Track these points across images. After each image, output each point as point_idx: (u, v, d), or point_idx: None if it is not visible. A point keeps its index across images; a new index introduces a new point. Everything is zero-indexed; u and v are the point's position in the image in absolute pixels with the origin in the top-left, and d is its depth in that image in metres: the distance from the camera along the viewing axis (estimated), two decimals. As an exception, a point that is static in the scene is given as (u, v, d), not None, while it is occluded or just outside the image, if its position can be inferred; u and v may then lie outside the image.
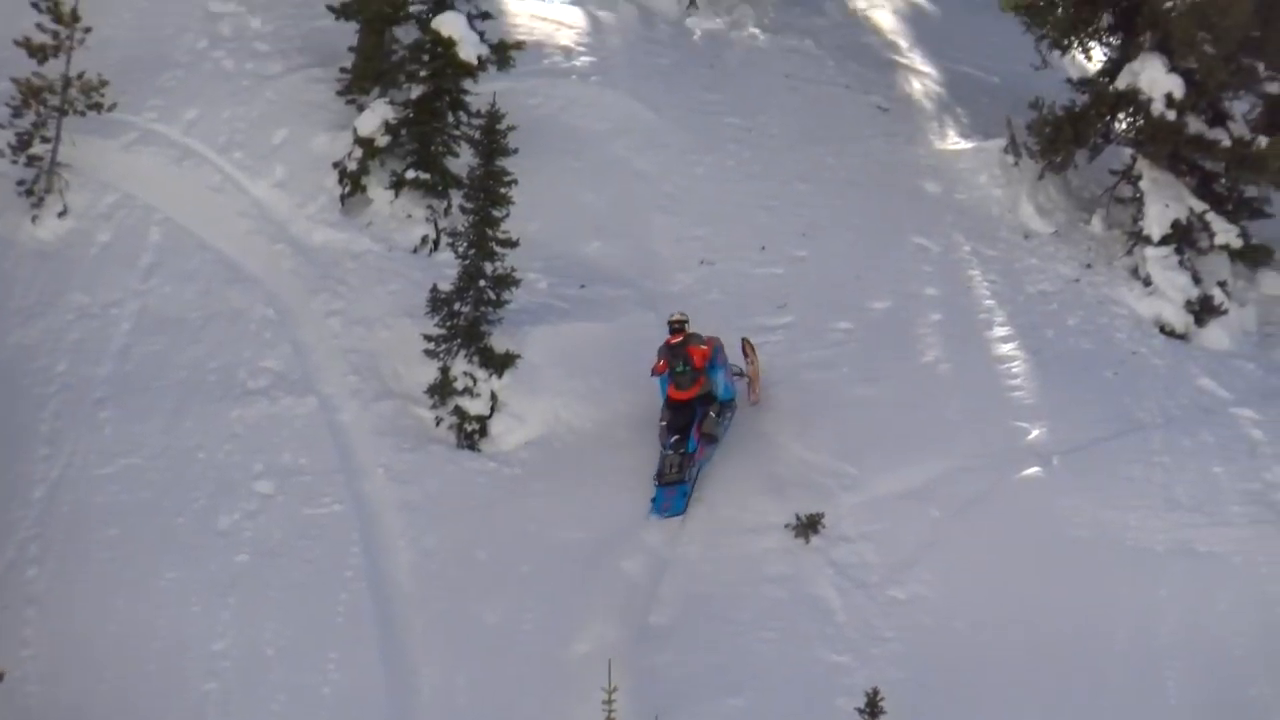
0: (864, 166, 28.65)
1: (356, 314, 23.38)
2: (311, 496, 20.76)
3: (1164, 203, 26.80)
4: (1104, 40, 29.11)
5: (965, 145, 29.74)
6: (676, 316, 22.70)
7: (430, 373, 22.06)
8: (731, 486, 21.97)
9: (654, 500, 21.97)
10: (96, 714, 18.33)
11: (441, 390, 21.94)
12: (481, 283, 21.99)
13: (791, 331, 24.42)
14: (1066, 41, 29.03)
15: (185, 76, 26.62)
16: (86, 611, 19.12)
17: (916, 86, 31.97)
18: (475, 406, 21.98)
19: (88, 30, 24.13)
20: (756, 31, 32.45)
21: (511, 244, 21.96)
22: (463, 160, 24.34)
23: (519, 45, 26.02)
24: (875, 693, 14.37)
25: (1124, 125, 28.19)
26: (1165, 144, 27.36)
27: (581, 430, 22.36)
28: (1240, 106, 28.39)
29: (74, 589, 19.30)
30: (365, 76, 25.74)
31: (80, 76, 24.10)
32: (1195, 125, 27.42)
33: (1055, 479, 22.06)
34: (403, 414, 22.16)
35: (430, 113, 24.89)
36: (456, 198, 23.93)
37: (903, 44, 34.30)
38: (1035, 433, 22.84)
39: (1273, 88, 27.85)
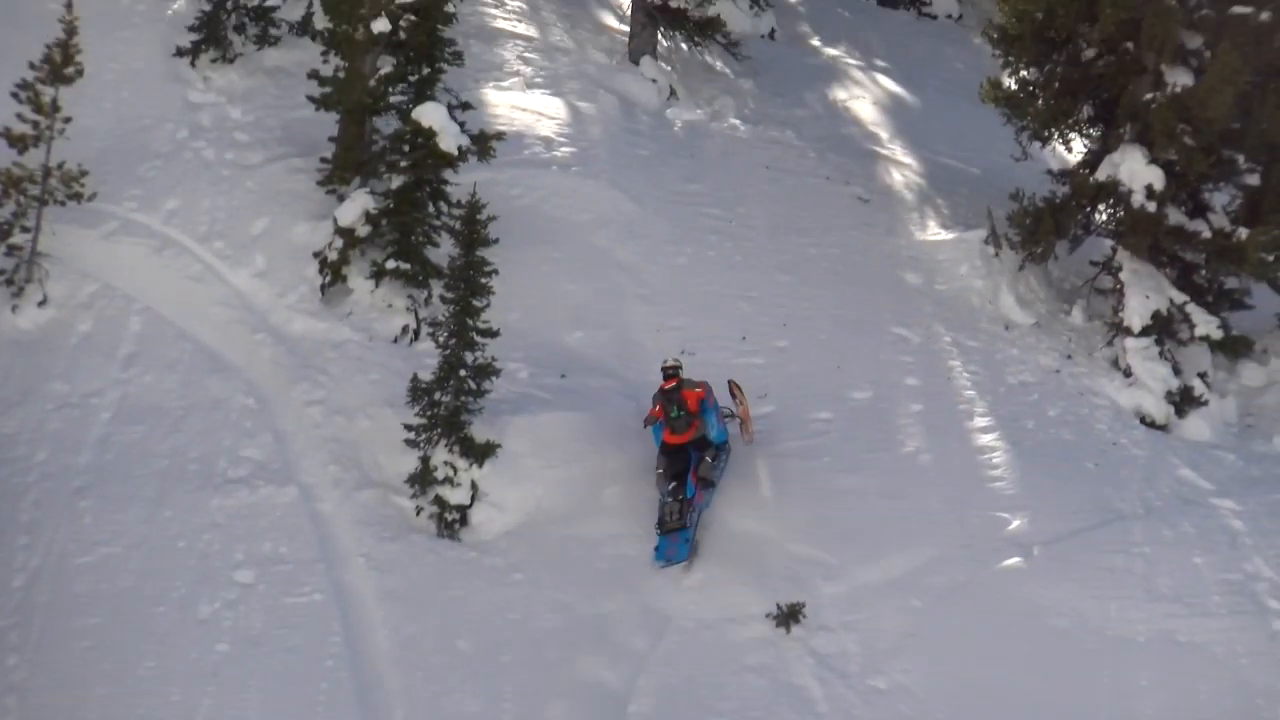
0: (845, 257, 29.00)
1: (337, 403, 23.46)
2: (292, 585, 20.77)
3: (1144, 294, 27.22)
4: (1084, 132, 29.70)
5: (946, 236, 30.16)
6: (670, 362, 23.28)
7: (411, 462, 22.20)
8: (712, 576, 22.09)
9: (657, 549, 22.41)
10: (77, 803, 18.48)
11: (422, 480, 22.09)
12: (462, 372, 22.12)
13: (772, 421, 24.58)
14: (1047, 133, 29.50)
15: (165, 166, 26.86)
16: (66, 700, 19.12)
17: (897, 178, 32.46)
18: (456, 496, 22.09)
19: (68, 120, 24.45)
20: (737, 122, 33.04)
21: (492, 334, 22.16)
22: (443, 250, 24.51)
23: (500, 136, 26.28)
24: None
25: (1104, 216, 28.71)
26: (1145, 235, 27.86)
27: (562, 520, 22.42)
28: (1221, 198, 28.87)
29: (54, 678, 19.31)
30: (346, 166, 25.95)
31: (60, 166, 24.36)
32: (1176, 217, 27.90)
33: (1036, 569, 22.30)
34: (383, 503, 22.23)
35: (411, 203, 25.01)
36: (437, 288, 24.08)
37: (883, 135, 34.86)
38: (1016, 523, 23.08)
39: (1253, 179, 28.29)
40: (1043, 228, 28.41)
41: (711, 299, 26.63)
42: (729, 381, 24.36)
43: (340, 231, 25.04)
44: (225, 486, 22.07)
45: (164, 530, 21.34)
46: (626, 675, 20.73)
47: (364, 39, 25.48)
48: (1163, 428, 26.28)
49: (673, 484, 22.87)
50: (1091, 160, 29.10)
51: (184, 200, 26.31)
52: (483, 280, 22.03)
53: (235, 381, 23.72)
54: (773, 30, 39.77)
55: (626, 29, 35.05)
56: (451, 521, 22.18)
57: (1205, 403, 26.79)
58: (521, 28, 34.19)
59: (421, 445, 22.22)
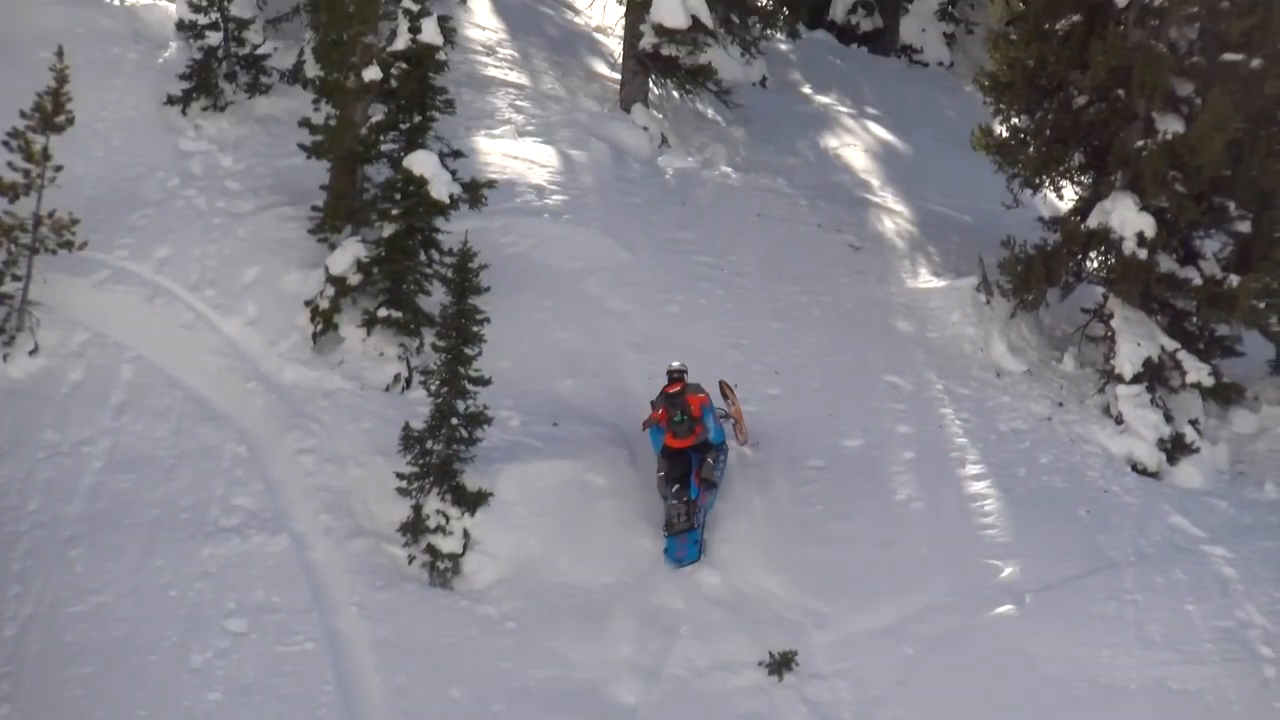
0: (836, 305, 29.23)
1: (329, 452, 23.51)
2: (284, 634, 20.75)
3: (1136, 341, 27.39)
4: (1075, 179, 29.87)
5: (937, 283, 30.42)
6: (676, 366, 23.78)
7: (403, 511, 22.25)
8: (704, 623, 22.18)
9: (666, 551, 22.99)
10: None
11: (414, 528, 22.14)
12: (454, 421, 22.18)
13: (764, 469, 24.77)
14: (1038, 180, 29.69)
15: (156, 214, 26.97)
16: (58, 749, 19.18)
17: (888, 225, 32.71)
18: (448, 544, 22.13)
19: (59, 169, 24.51)
20: (728, 170, 33.34)
21: (484, 382, 22.22)
22: (435, 298, 24.57)
23: (491, 184, 26.37)
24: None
25: (1095, 264, 28.88)
26: (1137, 282, 28.02)
27: (554, 568, 22.50)
28: (1212, 245, 29.05)
29: (46, 727, 19.36)
30: (337, 215, 25.97)
31: (51, 215, 24.43)
32: (1167, 264, 28.06)
33: (1028, 617, 22.43)
34: (375, 552, 22.26)
35: (402, 251, 25.11)
36: (429, 336, 24.31)
37: (874, 183, 35.13)
38: (1008, 570, 23.24)
39: (1244, 226, 28.53)
40: (1034, 275, 28.65)
41: (703, 347, 26.71)
42: (720, 382, 24.98)
43: (332, 280, 25.14)
44: (217, 535, 22.06)
45: (156, 579, 21.31)
46: (619, 725, 20.81)
47: (355, 87, 25.64)
48: (1154, 475, 26.45)
49: (676, 486, 23.34)
50: (1083, 207, 29.24)
51: (175, 248, 26.39)
52: (474, 328, 22.12)
53: (227, 430, 23.74)
54: (764, 78, 40.14)
55: (618, 77, 35.41)
56: (444, 570, 22.20)
57: (1197, 450, 26.98)
58: (513, 76, 34.50)
59: (413, 494, 22.29)
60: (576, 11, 40.92)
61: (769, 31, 36.99)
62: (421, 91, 25.31)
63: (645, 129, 33.47)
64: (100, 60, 29.54)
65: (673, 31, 32.99)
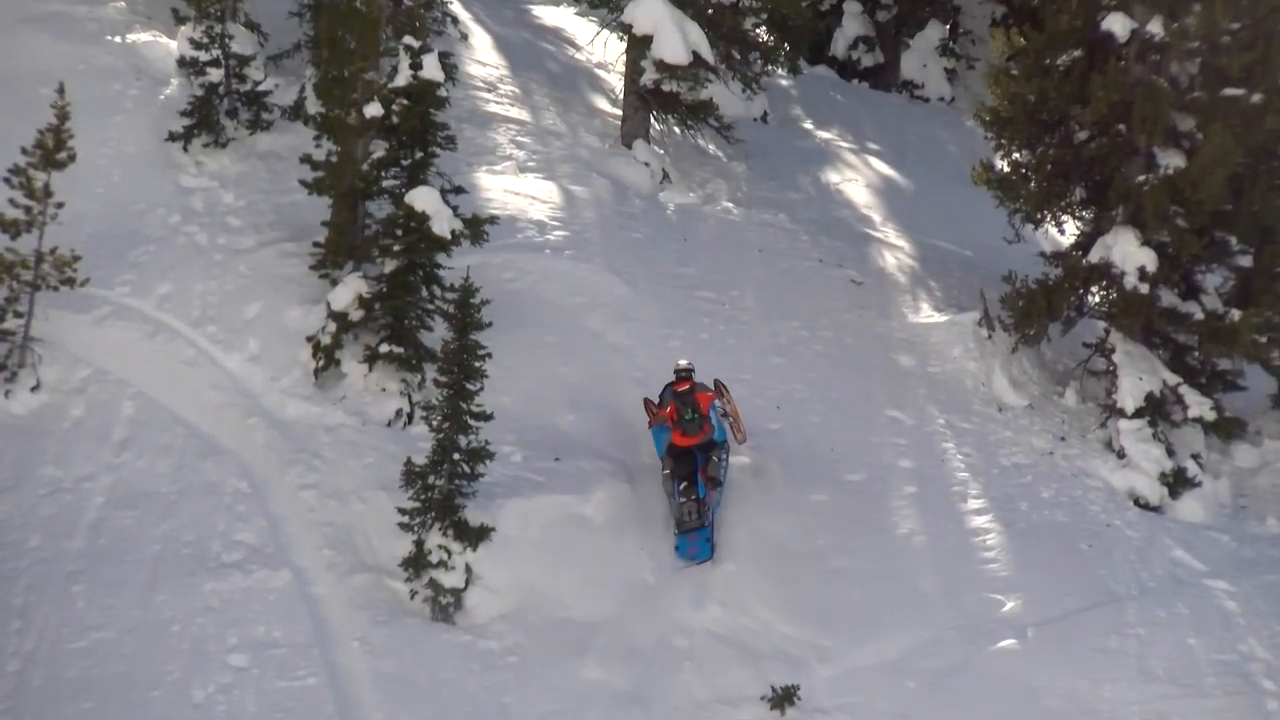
0: (838, 339, 29.42)
1: (331, 487, 23.50)
2: (286, 669, 20.69)
3: (1137, 375, 27.56)
4: (1076, 214, 30.08)
5: (939, 318, 30.64)
6: (684, 364, 24.17)
7: (405, 546, 22.24)
8: (706, 657, 22.20)
9: (677, 549, 23.45)
10: None
11: (416, 563, 22.14)
12: (456, 456, 22.19)
13: (766, 502, 24.88)
14: (1039, 215, 29.88)
15: (158, 251, 26.94)
16: (61, 786, 19.18)
17: (890, 260, 32.93)
18: (450, 579, 22.13)
19: (60, 205, 24.41)
20: (730, 206, 33.54)
21: (486, 417, 22.25)
22: (437, 334, 24.50)
23: (493, 220, 26.36)
24: None
25: (1097, 298, 29.07)
26: (1138, 317, 28.23)
27: (557, 602, 22.49)
28: (1213, 280, 29.23)
29: (48, 764, 19.35)
30: (338, 251, 26.01)
31: (53, 251, 24.33)
32: (1168, 298, 28.29)
33: (1030, 651, 22.55)
34: (377, 587, 22.24)
35: (404, 287, 25.14)
36: (430, 371, 24.22)
37: (876, 218, 35.36)
38: (1010, 604, 23.37)
39: (1245, 261, 28.73)
40: (1035, 310, 28.86)
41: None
42: (715, 381, 25.25)
43: (333, 315, 25.18)
44: (219, 570, 22.02)
45: (158, 614, 21.25)
46: (622, 760, 20.83)
47: (356, 123, 25.71)
48: (1156, 509, 26.62)
49: (683, 484, 23.67)
50: (1084, 242, 29.45)
51: (176, 285, 26.38)
52: (476, 364, 22.12)
53: (228, 465, 23.72)
54: (765, 114, 40.42)
55: (619, 113, 35.64)
56: (446, 605, 22.21)
57: (1199, 484, 27.13)
58: (514, 112, 34.68)
59: (415, 529, 22.31)
60: (578, 48, 41.15)
61: (770, 67, 37.14)
62: (423, 127, 25.34)
63: (646, 164, 33.65)
64: (101, 97, 29.55)
65: (674, 67, 33.14)
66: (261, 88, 29.87)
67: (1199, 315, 28.32)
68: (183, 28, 29.67)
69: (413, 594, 22.29)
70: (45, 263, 24.45)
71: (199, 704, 20.28)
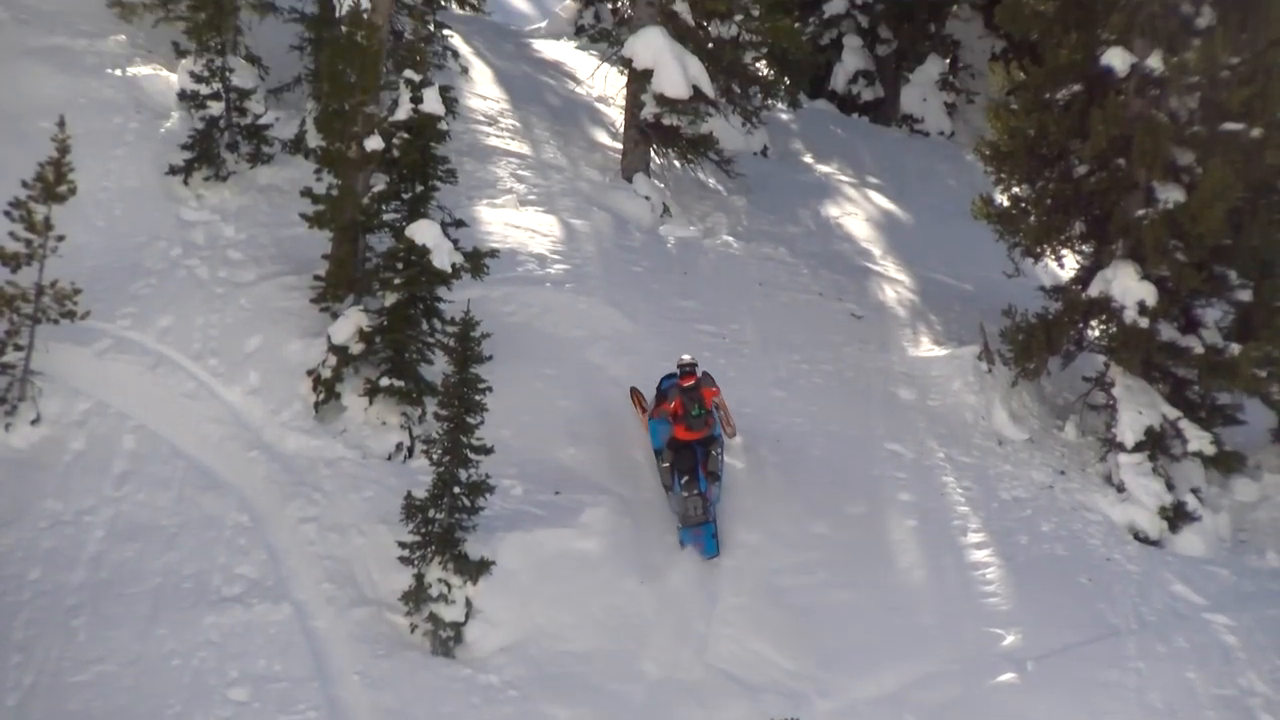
0: (838, 373, 29.51)
1: (331, 520, 23.51)
2: (286, 703, 20.69)
3: (1137, 409, 27.65)
4: (1076, 248, 30.17)
5: (939, 352, 30.74)
6: (688, 359, 24.62)
7: (405, 579, 22.27)
8: (707, 691, 22.25)
9: (682, 542, 23.91)
10: None
11: (416, 597, 22.17)
12: (456, 489, 22.20)
13: (766, 535, 24.95)
14: (1039, 249, 29.94)
15: (158, 284, 26.93)
16: (61, 819, 19.20)
17: (890, 294, 33.05)
18: (450, 613, 22.14)
19: (60, 238, 24.37)
20: (730, 239, 33.65)
21: (486, 451, 22.24)
22: (437, 367, 24.56)
23: (493, 253, 26.40)
24: None
25: (1097, 332, 29.19)
26: (1138, 351, 28.33)
27: (557, 636, 22.50)
28: (1212, 314, 29.33)
29: (48, 797, 19.37)
30: (339, 284, 26.08)
31: (53, 284, 24.29)
32: (1168, 332, 28.40)
33: (1030, 685, 22.62)
34: (378, 620, 22.24)
35: (404, 320, 25.15)
36: (431, 405, 24.28)
37: (876, 251, 35.47)
38: (1010, 638, 23.46)
39: (1244, 295, 28.82)
40: (1035, 343, 28.98)
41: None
42: (703, 373, 25.65)
43: (334, 349, 25.23)
44: (219, 604, 22.02)
45: (158, 648, 21.25)
46: (622, 795, 20.87)
47: (357, 157, 25.80)
48: (1156, 543, 26.74)
49: (685, 478, 24.09)
50: (1084, 276, 29.60)
51: (177, 318, 26.38)
52: (476, 397, 22.12)
53: (229, 499, 23.73)
54: (765, 147, 40.60)
55: (619, 147, 35.79)
56: (446, 639, 22.21)
57: (1198, 518, 27.24)
58: (514, 145, 34.84)
59: (416, 562, 22.33)
60: (578, 81, 41.37)
61: (770, 101, 37.35)
62: (423, 161, 25.37)
63: (647, 198, 33.79)
64: (102, 130, 29.60)
65: (674, 101, 33.29)
66: (262, 121, 29.91)
67: (1199, 349, 28.42)
68: (183, 61, 29.73)
69: (413, 628, 22.31)
70: (46, 296, 24.42)
71: (200, 737, 20.27)
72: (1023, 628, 23.72)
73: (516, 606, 22.74)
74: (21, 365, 24.58)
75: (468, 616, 22.40)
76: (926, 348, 31.21)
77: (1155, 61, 27.99)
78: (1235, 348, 28.17)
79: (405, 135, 25.33)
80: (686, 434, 24.69)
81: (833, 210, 37.78)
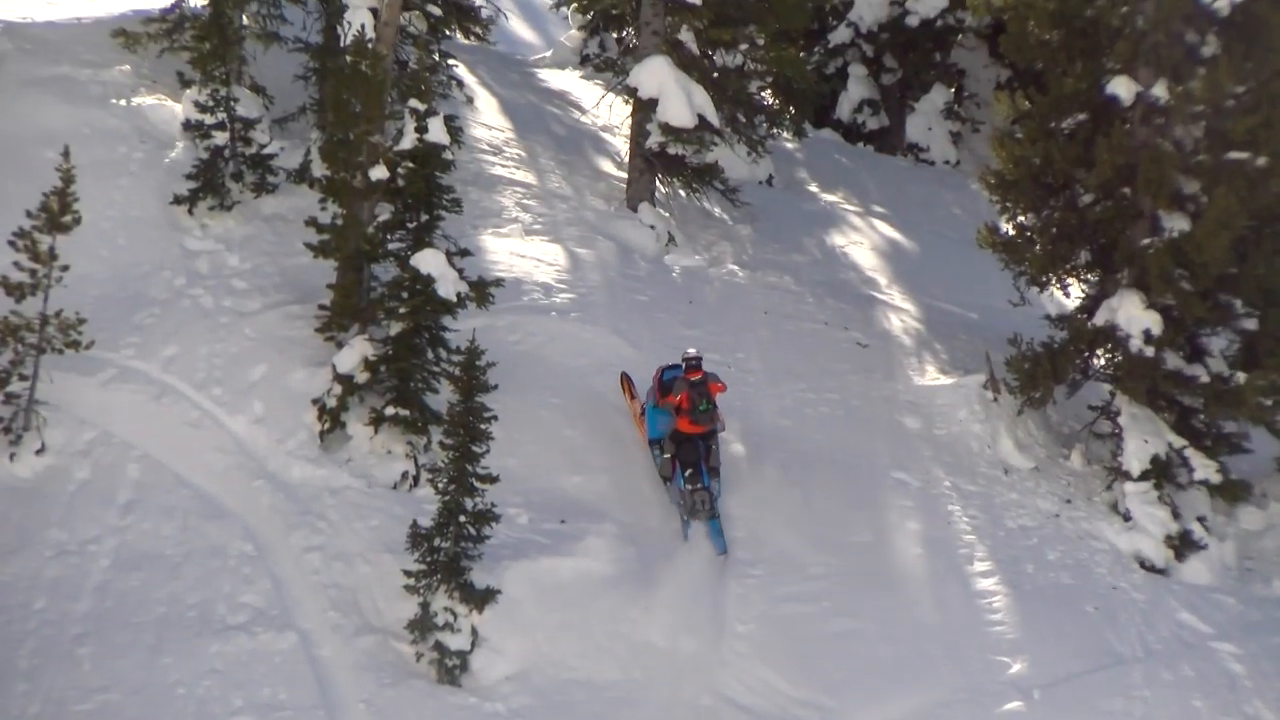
0: (843, 402, 29.61)
1: (336, 549, 23.54)
2: None
3: (1143, 438, 27.72)
4: (1081, 277, 30.26)
5: (944, 381, 30.83)
6: (693, 352, 25.04)
7: (410, 608, 22.27)
8: (712, 720, 22.33)
9: (686, 538, 24.36)
10: None
11: (422, 625, 22.17)
12: (461, 518, 22.20)
13: (772, 565, 25.05)
14: (1044, 278, 30.04)
15: (163, 313, 26.99)
16: None
17: (895, 322, 33.16)
18: (456, 642, 22.13)
19: (65, 268, 24.36)
20: (735, 268, 33.75)
21: (491, 480, 22.23)
22: (442, 396, 24.68)
23: (498, 282, 26.47)
24: None
25: (1102, 361, 29.27)
26: (1143, 380, 28.42)
27: (563, 665, 22.52)
28: (1218, 343, 29.39)
29: (54, 826, 19.38)
30: (344, 313, 26.14)
31: (58, 314, 24.29)
32: (1173, 361, 28.45)
33: (1036, 713, 22.71)
34: (383, 649, 22.23)
35: (409, 349, 25.17)
36: (436, 434, 24.27)
37: (881, 280, 35.58)
38: (1016, 667, 23.54)
39: (1250, 324, 28.87)
40: (1041, 372, 29.05)
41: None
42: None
43: (339, 378, 25.30)
44: (224, 633, 22.01)
45: (163, 677, 21.24)
46: (628, 823, 20.88)
47: (362, 186, 25.89)
48: (1162, 571, 26.80)
49: (688, 471, 24.37)
50: (1089, 305, 29.72)
51: (182, 347, 26.44)
52: (482, 426, 22.13)
53: (234, 528, 23.75)
54: (770, 176, 40.78)
55: (624, 176, 35.96)
56: (452, 667, 22.21)
57: (1204, 546, 27.30)
58: (520, 175, 35.00)
59: (421, 591, 22.31)
60: (583, 111, 41.56)
61: (775, 130, 37.57)
62: (428, 190, 25.43)
63: (652, 227, 33.95)
64: (106, 160, 29.70)
65: (679, 130, 33.44)
66: (267, 151, 30.02)
67: (1204, 378, 28.55)
68: (188, 91, 29.85)
69: (418, 656, 22.33)
70: (50, 326, 24.44)
71: (205, 767, 20.26)
72: (1029, 656, 23.79)
73: (522, 635, 22.78)
74: (26, 395, 24.58)
75: (473, 645, 22.39)
76: (932, 376, 31.33)
77: (1160, 90, 28.14)
78: (1241, 376, 28.30)
79: (410, 165, 25.41)
80: (691, 427, 24.98)
81: (838, 239, 37.93)
